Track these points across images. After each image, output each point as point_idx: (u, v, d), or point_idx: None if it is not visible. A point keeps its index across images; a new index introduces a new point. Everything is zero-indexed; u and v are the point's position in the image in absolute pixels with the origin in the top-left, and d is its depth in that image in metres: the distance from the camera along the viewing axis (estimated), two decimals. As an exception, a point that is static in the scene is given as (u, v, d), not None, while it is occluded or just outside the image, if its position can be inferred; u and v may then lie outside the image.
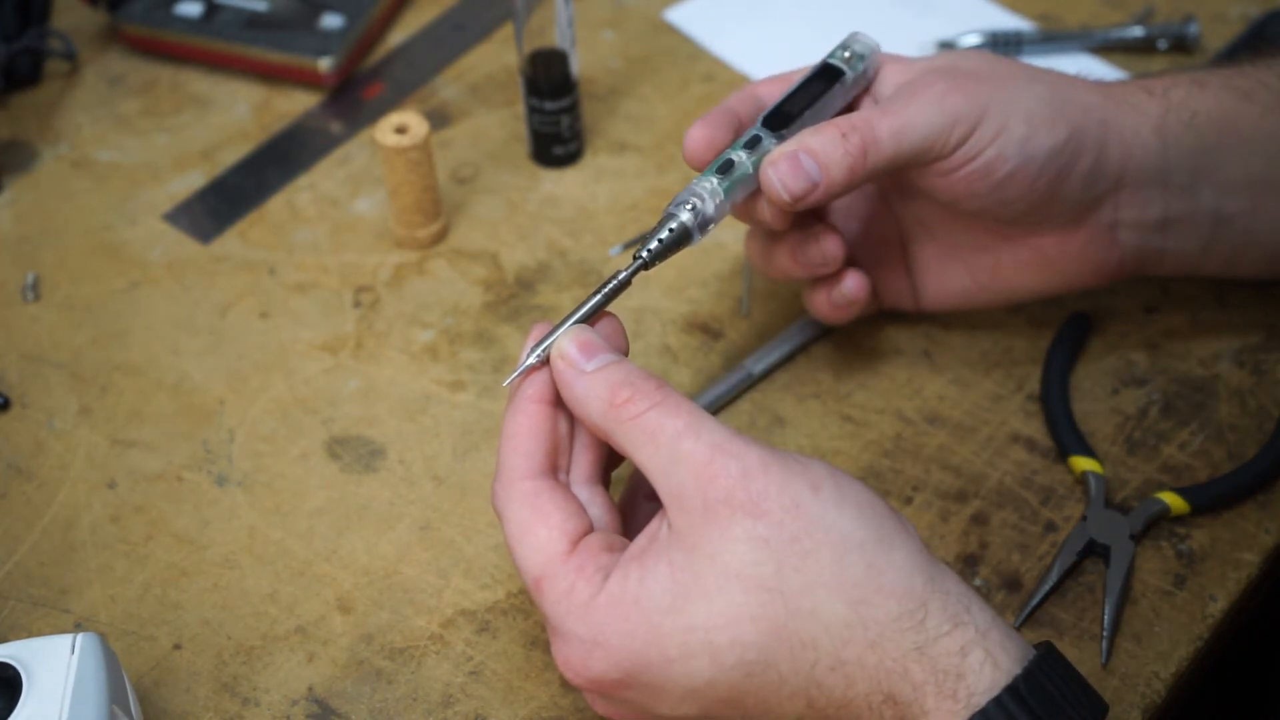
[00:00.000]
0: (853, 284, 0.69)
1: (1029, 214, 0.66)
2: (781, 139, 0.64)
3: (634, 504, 0.61)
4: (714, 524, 0.52)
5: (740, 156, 0.63)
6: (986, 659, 0.51)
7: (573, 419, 0.58)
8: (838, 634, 0.51)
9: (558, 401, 0.57)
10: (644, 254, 0.61)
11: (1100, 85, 0.67)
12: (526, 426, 0.57)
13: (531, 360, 0.57)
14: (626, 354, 0.59)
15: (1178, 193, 0.67)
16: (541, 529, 0.55)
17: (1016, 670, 0.51)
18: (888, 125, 0.63)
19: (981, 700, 0.50)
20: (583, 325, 0.58)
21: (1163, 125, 0.66)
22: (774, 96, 0.67)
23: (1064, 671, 0.52)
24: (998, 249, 0.69)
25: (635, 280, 0.60)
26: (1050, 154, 0.64)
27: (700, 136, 0.65)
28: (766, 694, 0.52)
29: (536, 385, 0.57)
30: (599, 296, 0.59)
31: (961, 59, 0.67)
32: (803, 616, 0.51)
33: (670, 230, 0.61)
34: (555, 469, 0.57)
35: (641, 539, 0.54)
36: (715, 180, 0.62)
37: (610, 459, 0.59)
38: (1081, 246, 0.68)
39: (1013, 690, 0.50)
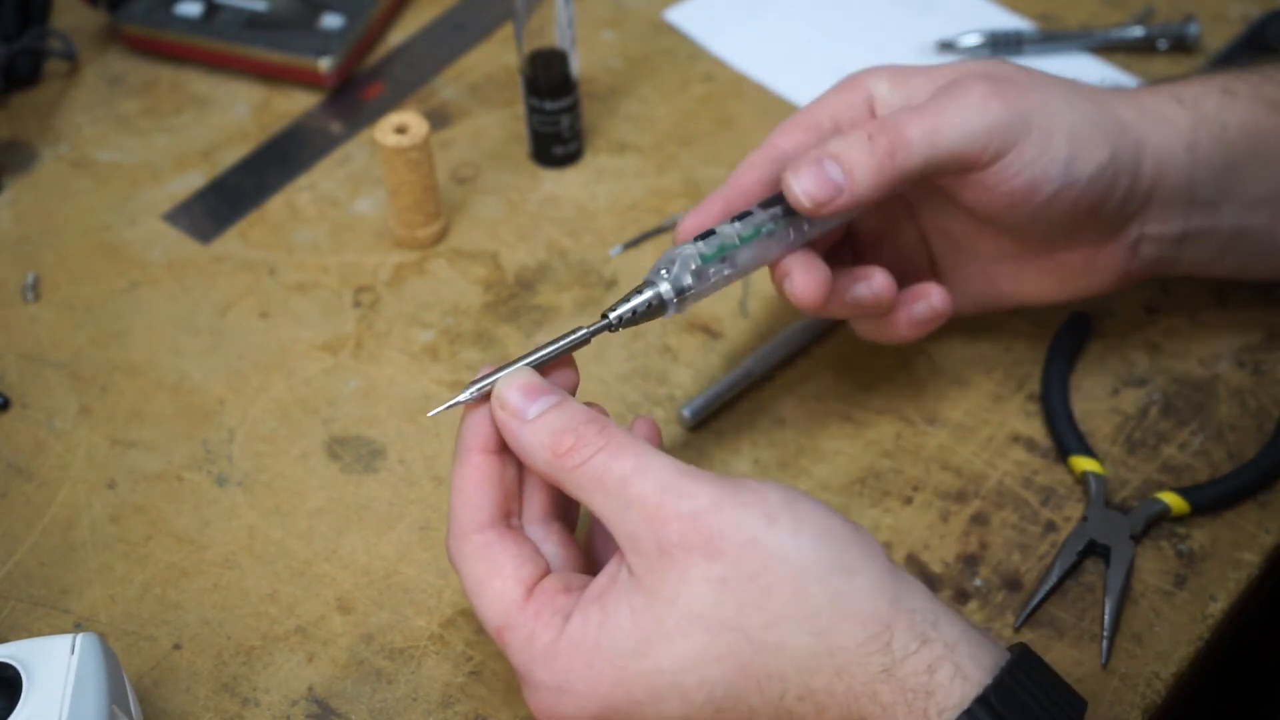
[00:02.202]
0: (939, 299, 0.67)
1: (1065, 233, 0.65)
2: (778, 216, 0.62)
3: (601, 532, 0.61)
4: (671, 567, 0.51)
5: (725, 228, 0.61)
6: (955, 674, 0.50)
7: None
8: (804, 665, 0.51)
9: (503, 448, 0.57)
10: (613, 316, 0.59)
11: (1133, 97, 0.66)
12: (473, 480, 0.56)
13: (464, 398, 0.56)
14: (575, 391, 0.59)
15: (1201, 209, 0.66)
16: (496, 581, 0.55)
17: (987, 680, 0.50)
18: (921, 127, 0.61)
19: (951, 715, 0.49)
20: (525, 368, 0.57)
21: (1194, 141, 0.65)
22: (800, 144, 0.64)
23: (1037, 674, 0.51)
24: (1022, 260, 0.68)
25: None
26: (1093, 176, 0.63)
27: (692, 228, 0.63)
28: None
29: (479, 435, 0.57)
30: (553, 347, 0.57)
31: (994, 66, 0.64)
32: (768, 651, 0.51)
33: (647, 302, 0.59)
34: (507, 515, 0.57)
35: (601, 579, 0.54)
36: (694, 246, 0.60)
37: (565, 495, 0.59)
38: (1105, 260, 0.67)
39: (982, 701, 0.50)
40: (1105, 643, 0.63)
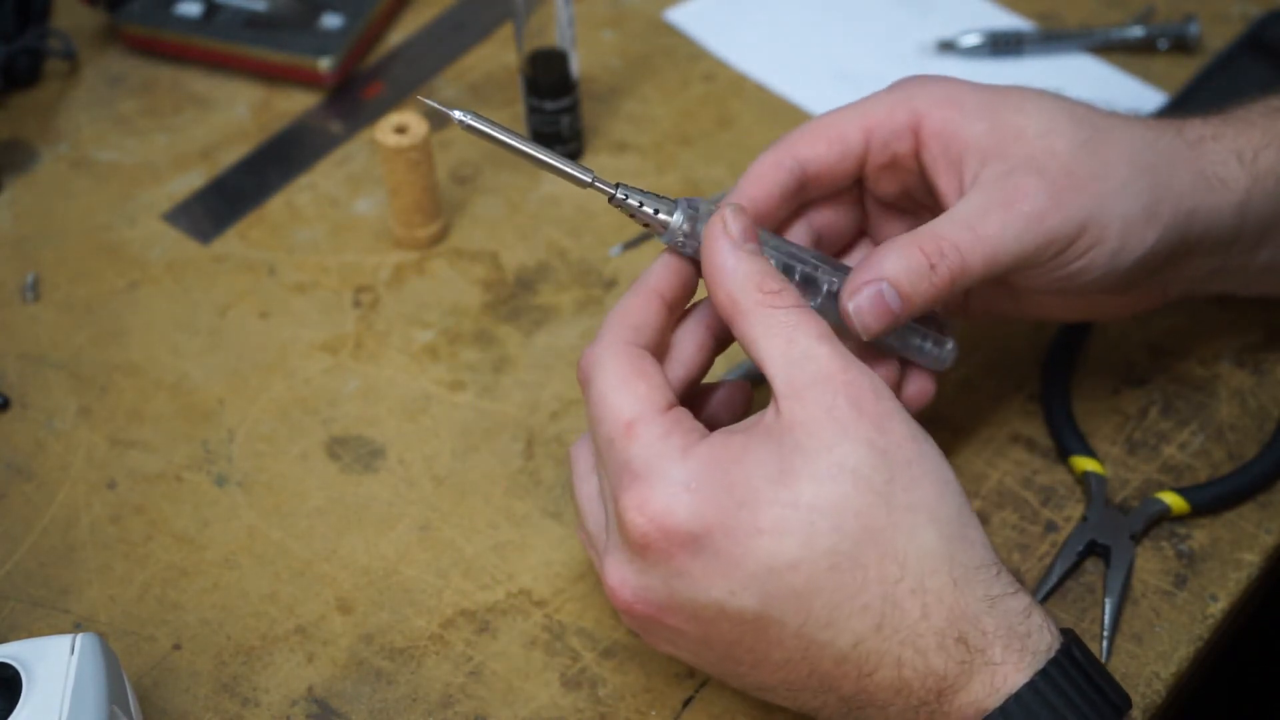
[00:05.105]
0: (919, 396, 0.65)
1: (1099, 294, 0.64)
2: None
3: None
4: (838, 421, 0.52)
5: (762, 233, 0.59)
6: (1044, 623, 0.53)
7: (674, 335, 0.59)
8: (926, 561, 0.52)
9: (675, 307, 0.58)
10: (619, 192, 0.57)
11: (1195, 154, 0.62)
12: (641, 309, 0.57)
13: (459, 116, 0.55)
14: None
15: (1239, 252, 0.65)
16: (643, 384, 0.55)
17: (1060, 637, 0.53)
18: (981, 253, 0.59)
19: (1043, 659, 0.52)
20: (745, 209, 0.57)
21: (1246, 201, 0.63)
22: (821, 159, 0.62)
23: (1090, 651, 0.54)
24: (1049, 292, 0.65)
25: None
26: (1137, 261, 0.61)
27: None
28: (841, 599, 0.52)
29: (666, 281, 0.58)
30: (553, 158, 0.56)
31: (1053, 135, 0.60)
32: (901, 532, 0.52)
33: (655, 209, 0.58)
34: (657, 359, 0.57)
35: (742, 424, 0.55)
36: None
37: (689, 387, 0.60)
38: (1132, 299, 0.66)
39: (1066, 650, 0.52)
40: (1105, 643, 0.63)
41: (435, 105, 0.57)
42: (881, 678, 0.52)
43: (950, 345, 0.64)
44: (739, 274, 0.55)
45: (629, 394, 0.54)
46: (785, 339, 0.54)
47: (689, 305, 0.61)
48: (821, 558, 0.51)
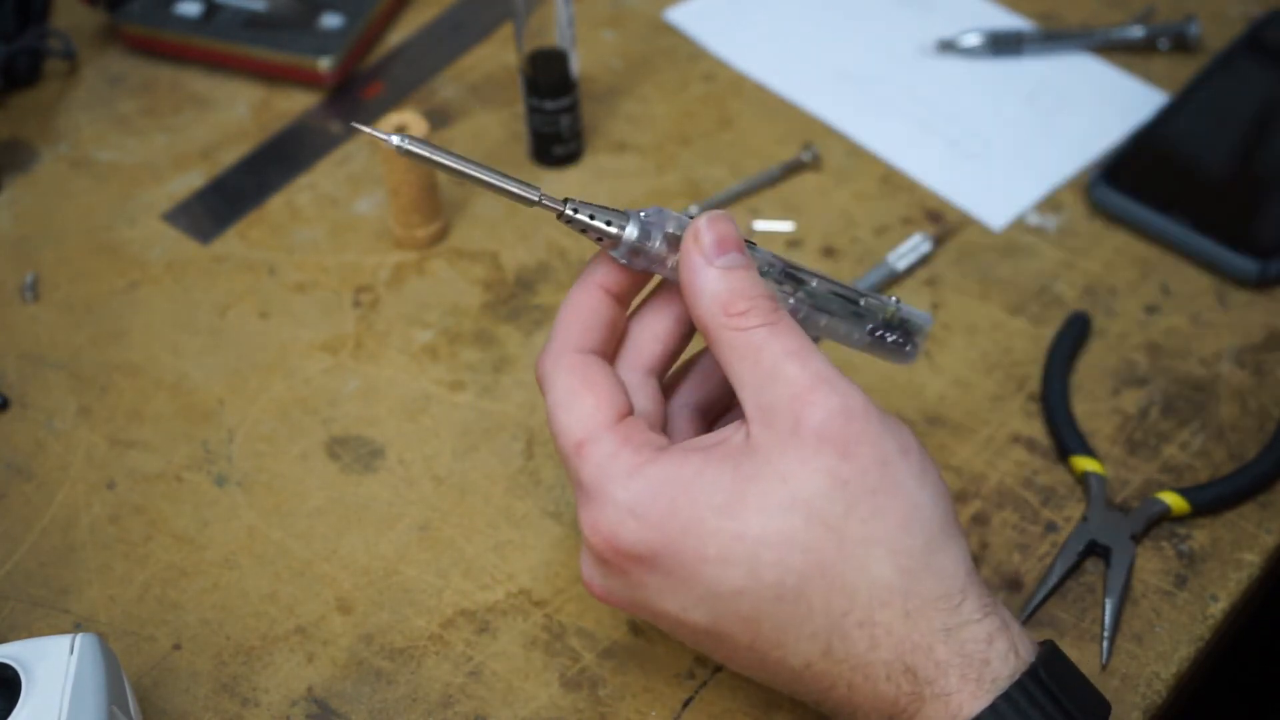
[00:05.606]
0: None
1: None
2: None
3: (673, 412, 0.60)
4: (799, 448, 0.51)
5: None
6: (1010, 649, 0.51)
7: (632, 314, 0.58)
8: (879, 594, 0.51)
9: (624, 299, 0.57)
10: (569, 207, 0.55)
11: None
12: (588, 307, 0.56)
13: (397, 141, 0.53)
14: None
15: None
16: (589, 397, 0.54)
17: (1032, 659, 0.52)
18: None
19: (1004, 685, 0.50)
20: (724, 216, 0.55)
21: None
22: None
23: (1070, 665, 0.53)
24: None
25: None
26: None
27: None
28: (788, 626, 0.52)
29: (610, 275, 0.56)
30: (499, 179, 0.54)
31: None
32: (853, 565, 0.51)
33: (607, 220, 0.55)
34: (608, 355, 0.57)
35: (709, 438, 0.54)
36: (686, 218, 0.56)
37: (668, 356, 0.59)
38: None
39: (1032, 674, 0.51)
40: (1105, 643, 0.63)
41: (370, 131, 0.54)
42: (838, 696, 0.52)
43: (912, 347, 0.63)
44: (705, 293, 0.54)
45: (576, 412, 0.54)
46: (751, 361, 0.53)
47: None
48: (764, 590, 0.51)
